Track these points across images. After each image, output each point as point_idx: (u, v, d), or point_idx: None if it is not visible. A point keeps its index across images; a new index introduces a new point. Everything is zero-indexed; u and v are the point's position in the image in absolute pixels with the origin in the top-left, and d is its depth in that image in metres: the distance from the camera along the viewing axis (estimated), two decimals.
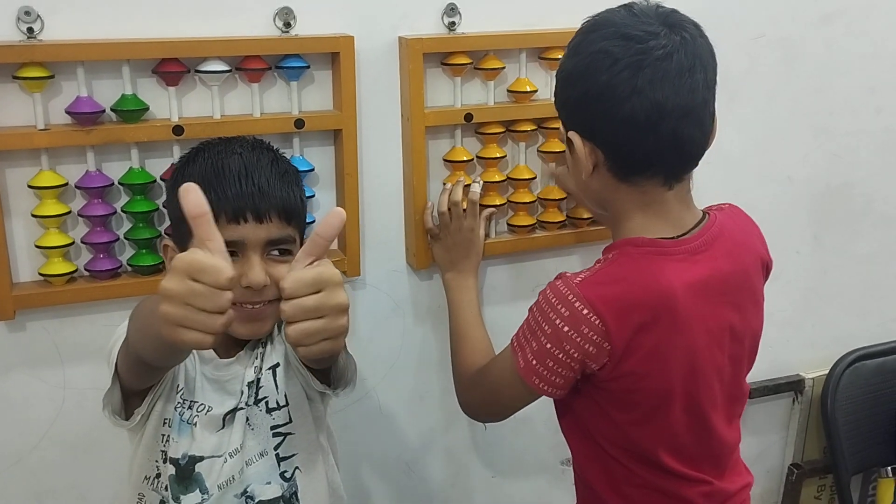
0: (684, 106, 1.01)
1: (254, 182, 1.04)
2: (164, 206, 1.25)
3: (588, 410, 1.12)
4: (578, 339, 1.03)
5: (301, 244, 1.10)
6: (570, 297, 1.03)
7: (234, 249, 1.03)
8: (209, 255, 0.74)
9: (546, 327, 1.04)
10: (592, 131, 1.05)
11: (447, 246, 1.37)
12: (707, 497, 1.13)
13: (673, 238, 1.07)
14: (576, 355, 1.04)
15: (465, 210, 1.35)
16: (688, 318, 1.05)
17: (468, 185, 1.37)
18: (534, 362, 1.06)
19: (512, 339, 1.11)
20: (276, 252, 1.06)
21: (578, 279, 1.04)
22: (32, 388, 1.28)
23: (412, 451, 1.56)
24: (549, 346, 1.04)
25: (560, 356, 1.04)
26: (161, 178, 1.25)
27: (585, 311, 1.02)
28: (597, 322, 1.02)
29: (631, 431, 1.10)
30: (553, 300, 1.04)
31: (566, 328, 1.03)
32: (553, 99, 1.12)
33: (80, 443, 1.32)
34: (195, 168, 1.07)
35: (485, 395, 1.20)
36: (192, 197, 0.75)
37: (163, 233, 1.26)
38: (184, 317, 0.72)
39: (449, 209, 1.35)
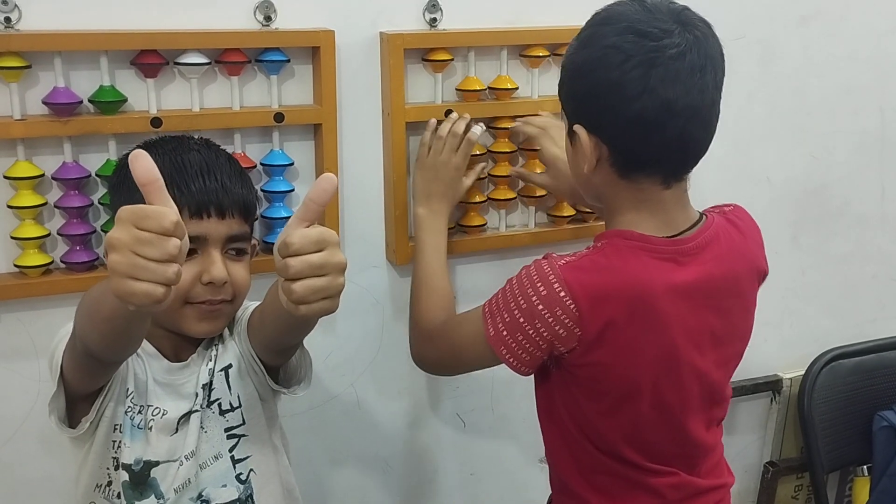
0: (693, 106, 1.00)
1: (216, 178, 1.04)
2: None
3: (560, 396, 1.12)
4: (551, 320, 1.03)
5: (252, 245, 1.12)
6: (550, 277, 1.03)
7: (195, 246, 1.02)
8: (152, 205, 0.73)
9: (521, 302, 1.04)
10: (599, 126, 1.04)
11: (427, 176, 1.31)
12: (675, 488, 1.13)
13: (664, 237, 1.06)
14: (546, 335, 1.04)
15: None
16: (666, 318, 1.04)
17: (470, 126, 1.32)
18: (504, 333, 1.06)
19: (483, 306, 1.10)
20: (233, 251, 1.06)
21: (563, 261, 1.05)
22: (7, 380, 1.27)
23: (390, 448, 1.55)
24: (521, 320, 1.05)
25: (531, 332, 1.04)
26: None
27: (562, 294, 1.02)
28: (571, 306, 1.02)
29: (596, 421, 1.10)
30: (534, 276, 1.04)
31: (541, 306, 1.03)
32: (557, 89, 1.10)
33: (55, 436, 1.27)
34: None
35: (444, 352, 1.20)
36: (142, 164, 0.73)
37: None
38: (132, 265, 0.71)
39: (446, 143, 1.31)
